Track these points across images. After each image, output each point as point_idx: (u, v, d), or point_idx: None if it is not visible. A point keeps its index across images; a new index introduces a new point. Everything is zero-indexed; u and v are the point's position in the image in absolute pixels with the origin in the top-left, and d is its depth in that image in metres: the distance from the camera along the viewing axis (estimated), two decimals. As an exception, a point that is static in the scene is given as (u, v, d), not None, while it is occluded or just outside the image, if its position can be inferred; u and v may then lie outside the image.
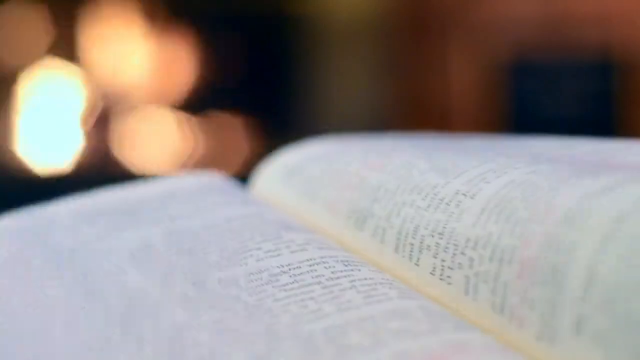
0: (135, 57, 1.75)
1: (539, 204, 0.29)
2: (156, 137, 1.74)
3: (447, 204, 0.33)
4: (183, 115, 1.75)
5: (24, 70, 1.72)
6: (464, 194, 0.33)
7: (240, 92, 1.79)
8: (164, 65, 1.76)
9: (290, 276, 0.33)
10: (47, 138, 1.71)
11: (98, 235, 0.37)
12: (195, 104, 1.76)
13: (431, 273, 0.33)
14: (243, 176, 0.49)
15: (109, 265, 0.35)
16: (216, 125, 1.76)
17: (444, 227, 0.32)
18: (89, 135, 1.72)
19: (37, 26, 1.73)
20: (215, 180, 0.44)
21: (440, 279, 0.32)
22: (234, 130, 1.76)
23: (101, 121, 1.73)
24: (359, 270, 0.34)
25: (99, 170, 1.68)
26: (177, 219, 0.38)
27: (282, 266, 0.34)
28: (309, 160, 0.43)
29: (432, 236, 0.33)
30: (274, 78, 1.81)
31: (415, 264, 0.34)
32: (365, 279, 0.33)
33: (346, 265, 0.34)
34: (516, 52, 1.74)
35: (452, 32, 1.77)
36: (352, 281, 0.32)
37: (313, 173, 0.42)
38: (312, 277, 0.33)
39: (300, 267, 0.33)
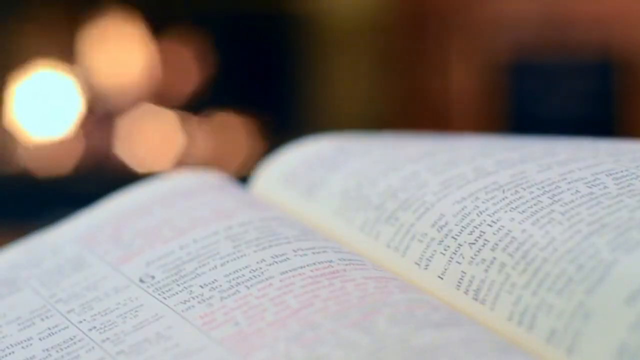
0: (136, 57, 1.75)
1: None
2: (157, 137, 1.74)
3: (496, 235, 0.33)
4: (183, 115, 1.75)
5: (23, 71, 1.72)
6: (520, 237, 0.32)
7: (240, 92, 1.79)
8: (164, 64, 1.76)
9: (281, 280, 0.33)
10: (47, 138, 1.71)
11: (113, 267, 0.37)
12: (196, 103, 1.76)
13: (439, 277, 0.33)
14: (243, 176, 0.48)
15: (124, 300, 0.35)
16: (216, 124, 1.76)
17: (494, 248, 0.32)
18: (89, 135, 1.72)
19: (37, 26, 1.73)
20: (216, 180, 0.44)
21: (457, 287, 0.32)
22: (234, 129, 1.76)
23: (102, 121, 1.73)
24: (364, 264, 0.34)
25: (100, 170, 1.68)
26: (178, 236, 0.38)
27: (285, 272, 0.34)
28: (310, 161, 0.43)
29: (471, 248, 0.33)
30: (274, 77, 1.81)
31: (424, 268, 0.34)
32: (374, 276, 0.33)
33: (348, 262, 0.34)
34: (516, 52, 1.73)
35: (452, 32, 1.77)
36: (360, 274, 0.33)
37: (316, 176, 0.42)
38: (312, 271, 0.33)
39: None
